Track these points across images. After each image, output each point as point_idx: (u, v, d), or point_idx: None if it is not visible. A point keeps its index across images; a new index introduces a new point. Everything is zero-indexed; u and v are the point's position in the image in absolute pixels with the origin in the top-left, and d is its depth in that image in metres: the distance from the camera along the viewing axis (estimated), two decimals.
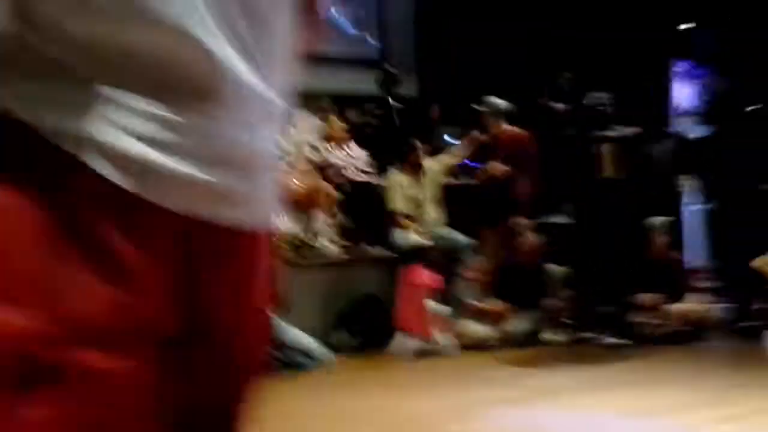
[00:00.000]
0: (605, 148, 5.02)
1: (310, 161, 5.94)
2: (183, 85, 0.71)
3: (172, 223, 0.72)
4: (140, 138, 0.69)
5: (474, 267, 5.18)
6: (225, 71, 0.71)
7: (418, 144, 5.81)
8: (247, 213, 0.79)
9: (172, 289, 0.72)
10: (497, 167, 5.47)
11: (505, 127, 5.63)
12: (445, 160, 5.92)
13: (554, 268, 5.19)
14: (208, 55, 0.69)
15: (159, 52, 0.68)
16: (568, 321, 5.26)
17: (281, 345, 4.27)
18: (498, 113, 5.69)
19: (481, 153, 5.77)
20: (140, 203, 0.69)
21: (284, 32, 0.78)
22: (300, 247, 5.69)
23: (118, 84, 0.69)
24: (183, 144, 0.72)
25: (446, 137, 6.80)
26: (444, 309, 5.15)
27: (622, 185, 4.99)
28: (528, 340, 5.08)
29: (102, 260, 0.66)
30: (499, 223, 5.45)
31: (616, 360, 4.29)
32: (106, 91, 0.69)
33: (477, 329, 5.01)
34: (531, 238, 5.23)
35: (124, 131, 0.69)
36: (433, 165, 5.88)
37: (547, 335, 5.10)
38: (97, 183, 0.67)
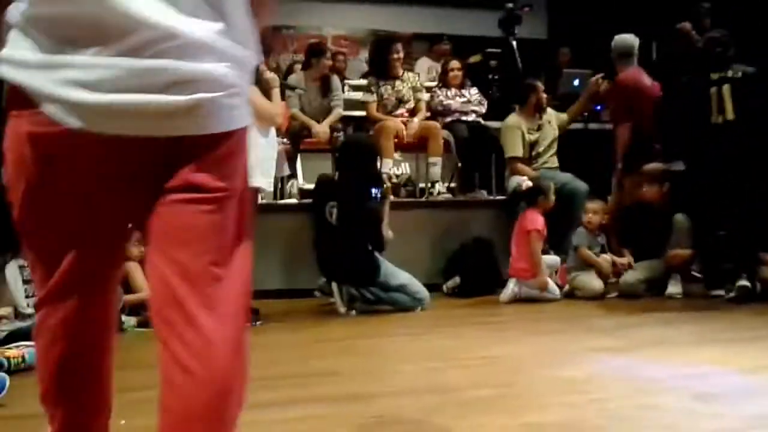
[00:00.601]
0: (725, 90, 4.70)
1: (426, 103, 5.94)
2: (104, 35, 1.05)
3: (122, 145, 1.08)
4: (80, 85, 1.05)
5: (595, 213, 4.99)
6: (140, 22, 1.07)
7: (540, 85, 5.66)
8: (190, 123, 1.10)
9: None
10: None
11: (628, 72, 5.44)
12: (565, 117, 5.78)
13: (681, 218, 4.91)
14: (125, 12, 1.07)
15: (92, 17, 1.07)
16: (693, 273, 5.01)
17: (387, 286, 4.36)
18: (624, 54, 5.48)
19: (604, 97, 5.64)
20: (88, 136, 1.07)
21: None
22: (411, 188, 5.75)
23: (65, 42, 1.07)
24: (115, 81, 1.05)
25: (575, 82, 6.52)
26: (557, 258, 5.05)
27: (741, 129, 4.65)
28: (648, 291, 4.89)
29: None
30: (628, 169, 5.26)
31: (734, 316, 4.05)
32: (54, 56, 1.07)
33: (593, 282, 4.85)
34: (659, 186, 5.00)
35: (66, 83, 1.06)
36: (555, 117, 5.74)
37: (670, 287, 4.86)
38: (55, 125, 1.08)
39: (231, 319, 1.15)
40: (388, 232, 4.45)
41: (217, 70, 1.12)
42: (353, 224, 4.25)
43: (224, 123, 1.14)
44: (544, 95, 5.66)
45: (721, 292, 4.64)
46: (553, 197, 4.88)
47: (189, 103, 1.09)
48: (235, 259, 1.18)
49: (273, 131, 4.03)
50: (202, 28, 1.12)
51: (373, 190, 4.40)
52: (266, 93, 3.88)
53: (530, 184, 5.05)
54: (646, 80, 5.46)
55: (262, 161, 3.83)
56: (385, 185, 4.51)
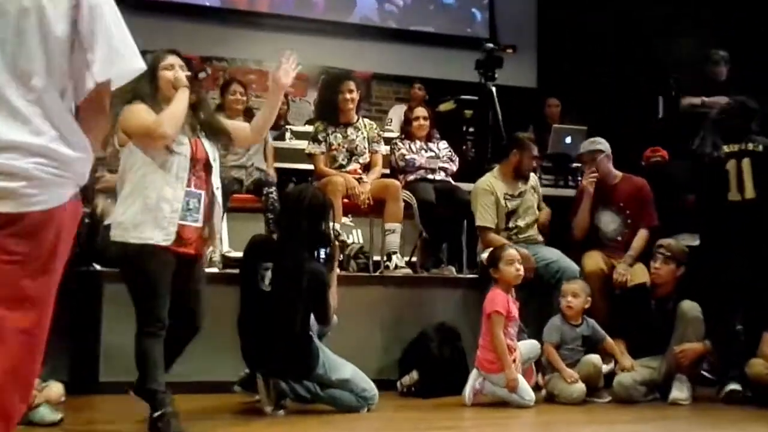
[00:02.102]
0: (744, 165, 4.90)
1: (384, 157, 6.02)
2: None
3: None
4: None
5: (575, 296, 5.00)
6: None
7: (527, 142, 5.72)
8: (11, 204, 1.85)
9: None
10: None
11: (617, 173, 5.70)
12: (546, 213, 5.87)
13: (689, 306, 4.97)
14: None
15: None
16: (704, 374, 5.07)
17: (327, 381, 4.34)
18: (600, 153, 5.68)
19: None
20: None
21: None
22: (363, 260, 5.77)
23: None
24: None
25: (567, 140, 6.72)
26: (536, 344, 5.03)
27: (762, 208, 4.87)
28: (647, 396, 4.93)
29: None
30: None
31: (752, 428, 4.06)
32: None
33: (571, 387, 4.80)
34: (675, 266, 5.06)
35: None
36: (534, 178, 5.87)
37: (675, 391, 4.88)
38: None
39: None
40: (334, 301, 4.41)
41: (21, 165, 1.85)
42: (291, 290, 4.19)
43: (23, 206, 1.86)
44: (533, 154, 5.72)
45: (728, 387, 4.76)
46: (517, 267, 4.81)
47: None
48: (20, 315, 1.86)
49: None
50: (13, 132, 1.85)
51: (321, 251, 4.41)
52: (170, 100, 3.79)
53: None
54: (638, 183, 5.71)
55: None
56: (333, 243, 4.51)
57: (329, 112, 5.90)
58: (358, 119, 5.95)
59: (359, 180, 5.70)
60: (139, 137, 3.74)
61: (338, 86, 5.82)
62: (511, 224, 5.62)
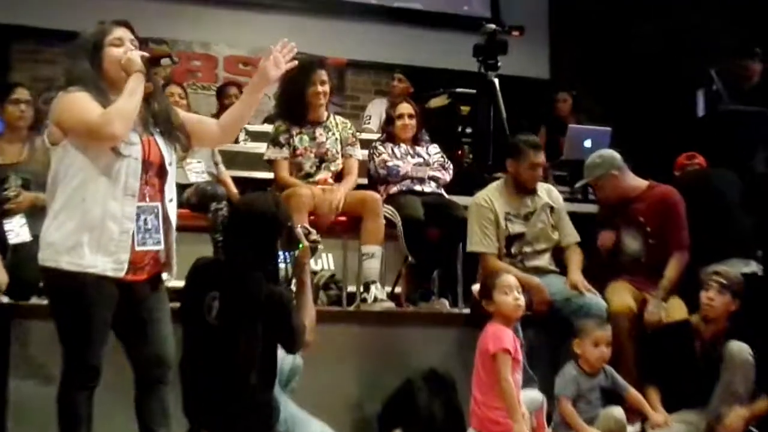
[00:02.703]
0: None
1: (360, 163, 6.07)
2: None
3: None
4: None
5: (596, 344, 5.00)
6: None
7: (523, 144, 5.67)
8: None
9: None
10: None
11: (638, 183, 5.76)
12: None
13: (738, 348, 5.02)
14: None
15: None
16: (752, 429, 5.09)
17: None
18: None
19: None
20: None
21: None
22: (336, 291, 5.81)
23: None
24: None
25: (587, 143, 6.72)
26: (538, 395, 5.02)
27: None
28: None
29: None
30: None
31: None
32: None
33: None
34: (720, 297, 5.12)
35: None
36: (554, 192, 5.85)
37: None
38: None
39: None
40: (309, 317, 4.33)
41: None
42: (243, 320, 4.13)
43: None
44: (535, 162, 5.63)
45: None
46: (516, 296, 4.78)
47: None
48: None
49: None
50: None
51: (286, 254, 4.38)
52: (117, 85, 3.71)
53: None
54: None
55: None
56: (300, 245, 4.39)
57: (294, 109, 5.86)
58: (328, 117, 5.95)
59: (330, 192, 5.69)
60: (79, 135, 3.63)
61: (307, 76, 5.77)
62: (514, 250, 5.61)
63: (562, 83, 8.34)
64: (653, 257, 5.60)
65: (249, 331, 4.13)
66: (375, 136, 6.74)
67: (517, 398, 4.65)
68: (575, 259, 5.58)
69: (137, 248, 3.68)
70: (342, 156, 5.92)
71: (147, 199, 3.73)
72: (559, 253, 5.72)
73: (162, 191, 3.82)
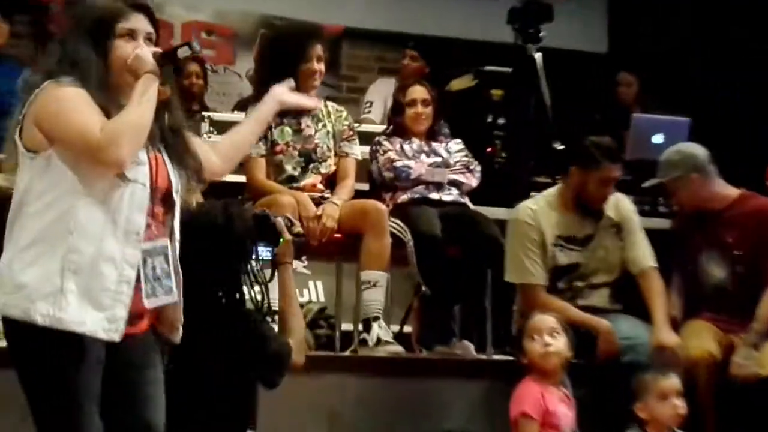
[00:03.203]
0: None
1: (359, 163, 6.07)
2: None
3: None
4: None
5: (664, 397, 4.92)
6: None
7: (597, 150, 5.56)
8: None
9: None
10: None
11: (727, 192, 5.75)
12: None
13: None
14: None
15: None
16: None
17: None
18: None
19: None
20: None
21: None
22: (327, 331, 5.94)
23: None
24: None
25: (657, 139, 6.66)
26: None
27: None
28: None
29: None
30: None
31: None
32: None
33: None
34: None
35: None
36: (623, 203, 5.77)
37: None
38: None
39: None
40: (298, 327, 4.37)
41: None
42: (206, 355, 4.12)
43: None
44: (611, 176, 5.57)
45: None
46: (546, 342, 4.80)
47: None
48: None
49: None
50: None
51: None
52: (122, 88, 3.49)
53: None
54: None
55: None
56: (282, 239, 4.40)
57: None
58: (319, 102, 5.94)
59: (320, 200, 5.68)
60: (70, 149, 3.35)
61: (302, 49, 5.73)
62: (561, 285, 5.58)
63: (625, 60, 8.23)
64: (742, 289, 5.57)
65: (212, 365, 4.17)
66: (379, 128, 6.76)
67: None
68: (658, 302, 5.47)
69: (146, 303, 3.43)
70: (335, 154, 5.90)
71: (153, 237, 3.49)
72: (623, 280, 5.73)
73: (168, 225, 3.59)
